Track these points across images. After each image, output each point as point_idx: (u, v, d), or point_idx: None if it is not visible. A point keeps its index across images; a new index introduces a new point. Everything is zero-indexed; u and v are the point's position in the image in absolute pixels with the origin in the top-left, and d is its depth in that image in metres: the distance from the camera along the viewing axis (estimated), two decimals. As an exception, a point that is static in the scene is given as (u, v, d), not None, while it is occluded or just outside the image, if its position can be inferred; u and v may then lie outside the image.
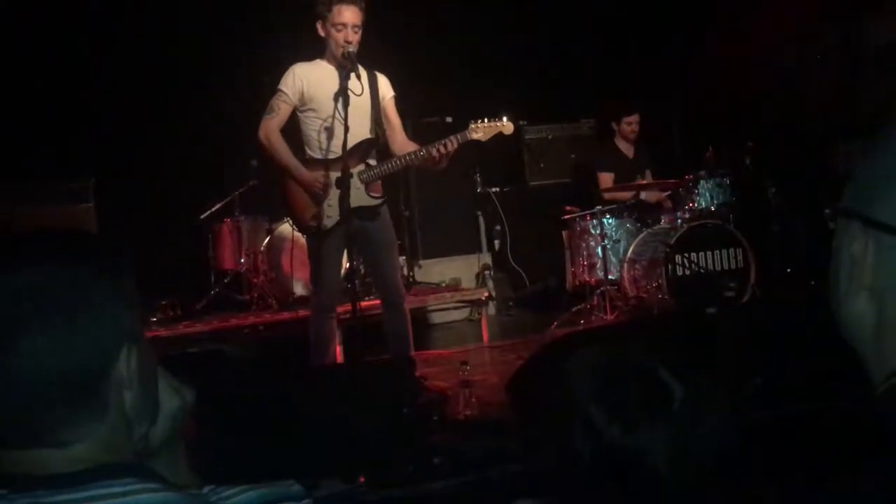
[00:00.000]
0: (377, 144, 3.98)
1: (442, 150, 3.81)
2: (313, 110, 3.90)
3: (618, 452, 1.05)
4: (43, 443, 0.86)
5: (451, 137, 3.84)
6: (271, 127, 3.89)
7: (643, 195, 6.23)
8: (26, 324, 0.83)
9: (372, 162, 3.95)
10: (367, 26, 3.89)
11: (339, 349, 4.68)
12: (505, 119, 3.98)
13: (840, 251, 0.78)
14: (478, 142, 3.96)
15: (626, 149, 6.52)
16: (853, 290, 0.76)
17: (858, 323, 0.76)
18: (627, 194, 6.22)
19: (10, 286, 0.84)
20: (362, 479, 2.83)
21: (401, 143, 4.03)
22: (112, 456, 0.88)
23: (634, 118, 6.43)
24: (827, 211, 0.82)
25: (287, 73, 3.94)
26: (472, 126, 3.91)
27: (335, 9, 3.77)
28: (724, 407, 1.10)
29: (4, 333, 0.82)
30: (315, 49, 4.00)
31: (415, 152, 3.89)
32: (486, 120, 3.94)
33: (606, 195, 6.29)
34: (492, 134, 3.95)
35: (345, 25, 3.78)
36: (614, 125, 6.54)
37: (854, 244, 0.75)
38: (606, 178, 6.38)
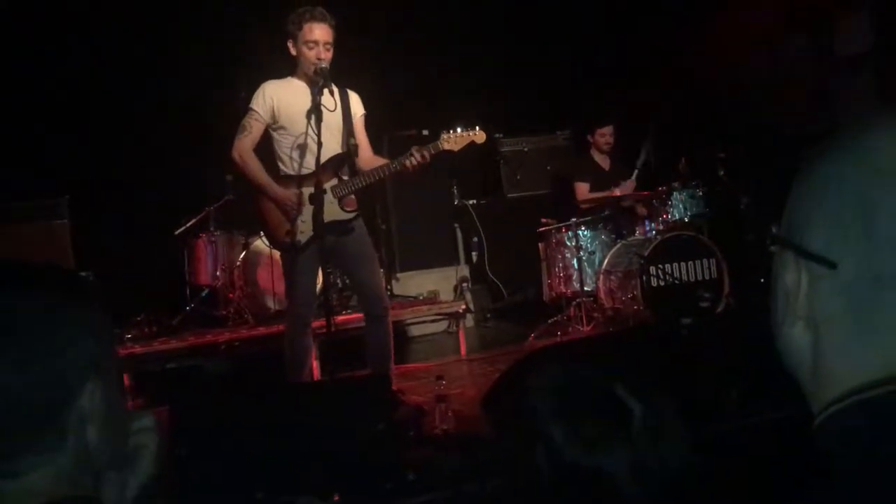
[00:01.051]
0: (350, 160, 3.98)
1: (414, 161, 3.81)
2: (285, 127, 3.90)
3: (578, 471, 1.05)
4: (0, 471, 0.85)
5: (423, 148, 3.84)
6: (244, 146, 3.88)
7: (619, 191, 6.24)
8: None
9: (345, 177, 3.95)
10: (344, 39, 3.90)
11: (315, 364, 4.67)
12: (477, 128, 3.98)
13: (776, 280, 0.77)
14: (450, 152, 3.96)
15: (602, 160, 6.56)
16: (789, 320, 0.75)
17: (796, 353, 0.75)
18: (603, 203, 6.26)
19: None
20: (337, 498, 2.82)
21: (368, 159, 4.03)
22: (70, 489, 0.86)
23: (608, 129, 6.48)
24: (768, 237, 0.81)
25: (258, 92, 3.94)
26: (444, 136, 3.92)
27: (306, 27, 3.78)
28: (682, 426, 1.10)
29: None
30: (290, 67, 4.00)
31: (388, 165, 3.90)
32: (458, 130, 3.94)
33: (582, 205, 6.32)
34: (464, 144, 3.96)
35: (316, 43, 3.78)
36: (589, 137, 6.58)
37: (788, 274, 0.75)
38: (583, 189, 6.42)
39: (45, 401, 0.85)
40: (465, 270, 7.22)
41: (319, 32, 3.78)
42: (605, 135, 6.47)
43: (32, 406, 0.84)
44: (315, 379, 4.61)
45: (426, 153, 3.82)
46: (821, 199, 0.73)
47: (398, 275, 6.95)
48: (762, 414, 3.39)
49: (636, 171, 6.35)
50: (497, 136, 7.42)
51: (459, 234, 7.34)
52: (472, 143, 3.98)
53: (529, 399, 1.15)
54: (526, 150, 7.65)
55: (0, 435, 0.83)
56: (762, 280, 5.99)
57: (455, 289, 7.08)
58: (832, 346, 0.72)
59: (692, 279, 5.64)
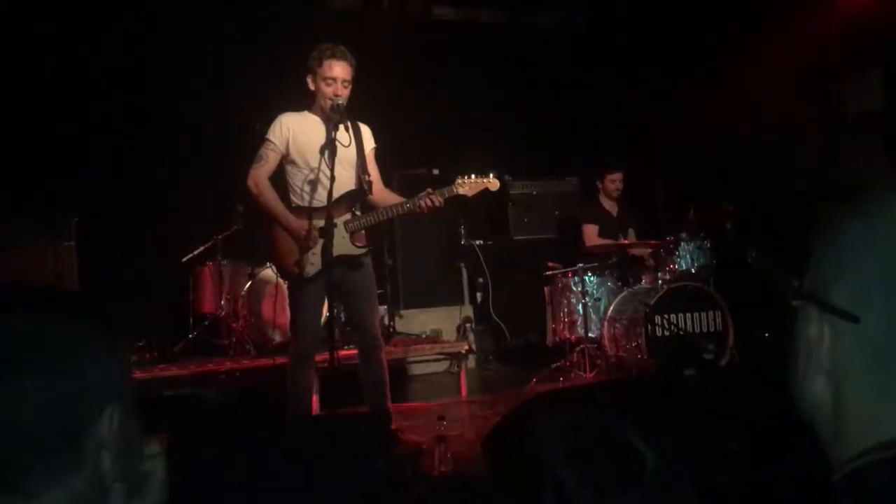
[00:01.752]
0: (363, 195, 4.01)
1: (428, 203, 3.84)
2: (300, 160, 3.94)
3: None
4: (11, 490, 0.85)
5: (437, 192, 3.87)
6: (260, 175, 3.92)
7: (635, 250, 6.26)
8: (16, 366, 0.84)
9: (357, 212, 3.97)
10: (358, 79, 3.95)
11: (315, 398, 4.64)
12: (491, 176, 4.03)
13: (799, 334, 0.77)
14: (463, 197, 3.99)
15: (610, 206, 6.59)
16: (810, 374, 0.75)
17: (816, 406, 0.75)
18: (610, 250, 6.27)
19: (5, 330, 0.85)
20: (333, 534, 2.79)
21: (378, 192, 4.06)
22: None
23: (618, 176, 6.51)
24: (790, 291, 0.82)
25: (275, 123, 3.98)
26: (459, 181, 3.96)
27: (326, 63, 3.84)
28: (694, 476, 1.09)
29: None
30: (303, 100, 4.05)
31: (401, 205, 3.93)
32: (472, 176, 3.98)
33: (589, 248, 6.33)
34: (477, 190, 3.99)
35: (335, 80, 3.84)
36: (598, 183, 6.62)
37: (811, 327, 0.75)
38: (591, 231, 6.44)
39: (65, 425, 0.86)
40: (468, 311, 7.20)
41: (339, 70, 3.84)
42: (615, 181, 6.50)
43: (53, 429, 0.85)
44: (315, 413, 4.58)
45: (440, 197, 3.85)
46: (847, 255, 0.74)
47: (402, 311, 6.94)
48: (763, 468, 3.36)
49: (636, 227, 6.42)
50: (506, 178, 7.46)
51: (465, 274, 7.34)
52: (486, 190, 4.01)
53: (540, 443, 1.14)
54: (534, 193, 7.69)
55: (20, 456, 0.84)
56: (767, 334, 5.98)
57: (458, 329, 7.06)
58: (853, 402, 0.72)
59: (697, 330, 5.62)
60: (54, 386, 0.85)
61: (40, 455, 0.85)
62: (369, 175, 4.01)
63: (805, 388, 0.76)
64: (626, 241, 6.25)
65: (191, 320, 6.25)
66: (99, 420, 0.88)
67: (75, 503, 0.87)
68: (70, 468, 0.87)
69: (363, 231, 3.99)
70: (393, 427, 3.86)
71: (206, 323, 6.19)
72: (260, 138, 4.05)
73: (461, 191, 3.95)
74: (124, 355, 0.94)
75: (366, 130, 4.09)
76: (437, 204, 3.85)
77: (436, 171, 6.84)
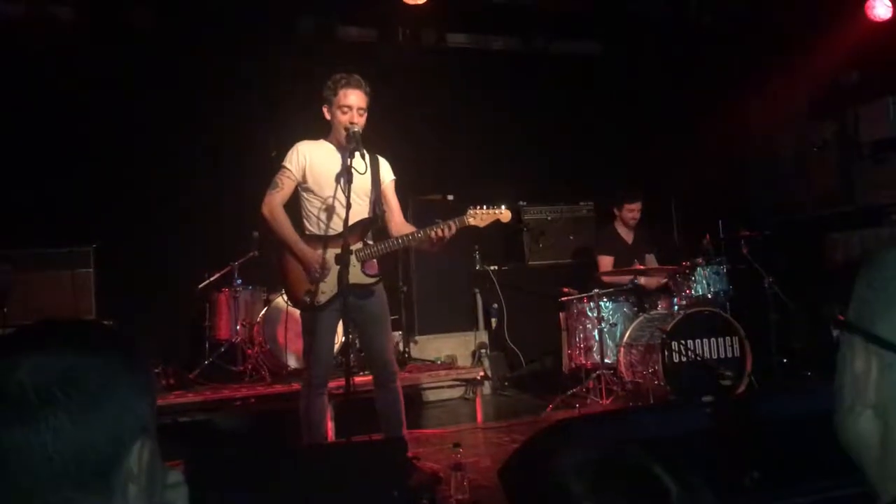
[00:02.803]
0: (376, 224, 4.02)
1: (439, 233, 3.85)
2: (315, 188, 3.96)
3: None
4: None
5: (449, 222, 3.88)
6: (275, 202, 3.94)
7: (642, 280, 6.25)
8: (52, 404, 0.86)
9: (369, 241, 3.98)
10: (373, 105, 3.98)
11: (330, 425, 4.63)
12: (503, 207, 4.03)
13: (843, 366, 0.75)
14: (474, 227, 4.00)
15: (626, 234, 6.58)
16: (857, 407, 0.74)
17: (863, 440, 0.74)
18: (626, 278, 6.25)
19: (42, 367, 0.87)
20: (348, 564, 2.77)
21: (398, 224, 4.08)
22: None
23: (637, 206, 6.50)
24: (832, 321, 0.80)
25: (291, 151, 4.01)
26: (470, 212, 3.96)
27: (341, 92, 3.87)
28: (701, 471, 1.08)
29: (31, 409, 0.85)
30: (320, 129, 4.08)
31: (412, 234, 3.93)
32: (484, 206, 3.98)
33: (605, 278, 6.32)
34: (489, 221, 4.00)
35: (350, 108, 3.87)
36: (616, 211, 6.61)
37: (857, 360, 0.74)
38: (606, 262, 6.43)
39: (98, 459, 0.88)
40: (483, 336, 7.18)
41: (354, 98, 3.87)
42: (633, 210, 6.50)
43: (87, 463, 0.87)
44: (330, 440, 4.57)
45: (452, 226, 3.86)
46: (891, 289, 0.73)
47: (417, 337, 6.92)
48: (782, 498, 3.32)
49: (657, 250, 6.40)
50: (521, 204, 7.47)
51: (479, 300, 7.33)
52: (497, 221, 4.02)
53: (558, 475, 1.13)
54: (549, 219, 7.69)
55: (55, 485, 0.86)
56: (784, 360, 5.93)
57: (473, 355, 7.04)
58: None
59: (714, 356, 5.58)
60: (88, 422, 0.87)
61: (72, 489, 0.87)
62: (385, 206, 4.03)
63: (851, 422, 0.75)
64: (641, 267, 6.21)
65: (206, 346, 6.27)
66: (128, 454, 0.90)
67: None
68: (101, 501, 0.89)
69: (375, 260, 4.00)
70: (409, 454, 3.84)
71: (222, 349, 6.21)
72: (276, 165, 4.08)
73: (472, 221, 3.95)
74: (153, 390, 0.97)
75: (383, 163, 4.12)
76: (448, 234, 3.85)
77: (450, 198, 6.86)
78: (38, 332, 0.94)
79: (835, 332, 0.78)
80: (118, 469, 0.90)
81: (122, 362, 0.92)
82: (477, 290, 7.33)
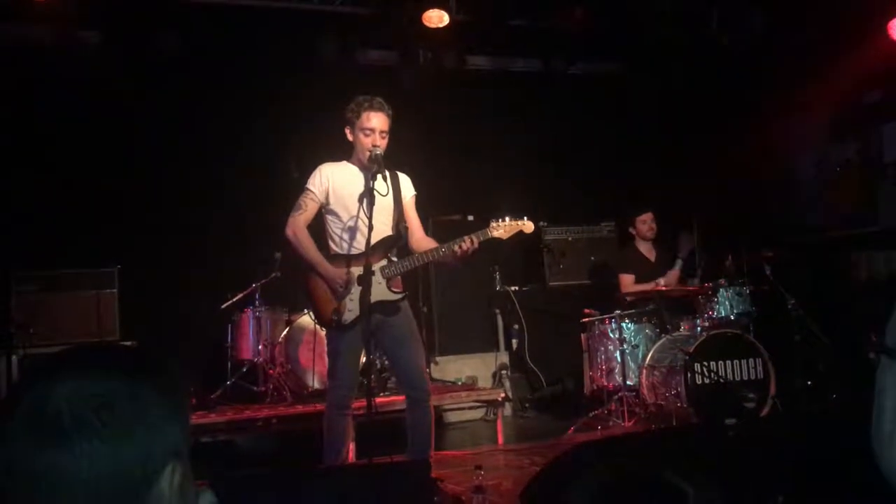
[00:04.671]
0: (400, 241, 4.04)
1: (463, 246, 3.86)
2: (338, 209, 3.99)
3: None
4: None
5: (472, 235, 3.90)
6: (299, 223, 3.98)
7: (663, 280, 6.19)
8: (87, 428, 0.88)
9: (394, 258, 4.00)
10: (394, 126, 4.02)
11: (352, 446, 4.63)
12: (525, 219, 4.04)
13: (884, 391, 0.75)
14: (498, 240, 4.00)
15: (648, 251, 6.55)
16: None
17: None
18: (648, 296, 6.21)
19: (78, 392, 0.89)
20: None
21: (419, 239, 4.10)
22: None
23: (648, 216, 6.49)
24: (867, 342, 0.79)
25: (314, 173, 4.05)
26: (493, 224, 3.97)
27: (364, 115, 3.91)
28: (727, 496, 1.08)
29: (67, 436, 0.87)
30: (342, 150, 4.12)
31: (436, 249, 3.95)
32: (506, 219, 4.00)
33: (627, 297, 6.29)
34: (512, 232, 4.01)
35: (373, 131, 3.91)
36: (631, 229, 6.60)
37: None
38: (627, 280, 6.40)
39: (131, 482, 0.90)
40: (504, 357, 7.16)
41: (377, 121, 3.91)
42: (646, 221, 6.48)
43: (120, 485, 0.89)
44: (352, 461, 4.56)
45: (475, 239, 3.87)
46: None
47: (437, 358, 6.92)
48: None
49: (680, 262, 6.34)
50: (541, 224, 7.48)
51: (500, 321, 7.32)
52: (521, 233, 4.03)
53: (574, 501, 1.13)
54: (570, 239, 7.68)
55: None
56: (809, 383, 5.86)
57: (494, 376, 7.03)
58: None
59: (737, 378, 5.53)
60: (122, 448, 0.89)
61: None
62: (407, 223, 4.05)
63: (893, 451, 0.73)
64: (663, 287, 6.17)
65: (228, 367, 6.30)
66: (160, 478, 0.92)
67: None
68: None
69: (399, 277, 4.02)
70: (432, 476, 3.83)
71: (244, 369, 6.24)
72: (298, 187, 4.12)
73: (496, 234, 3.96)
74: (186, 414, 0.98)
75: (404, 179, 4.14)
76: (472, 247, 3.86)
77: (470, 218, 6.88)
78: (74, 357, 0.96)
79: (871, 355, 0.78)
80: (150, 492, 0.91)
81: (156, 388, 0.95)
82: (497, 311, 7.32)
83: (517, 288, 7.38)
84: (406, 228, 4.07)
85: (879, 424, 0.74)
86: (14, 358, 5.66)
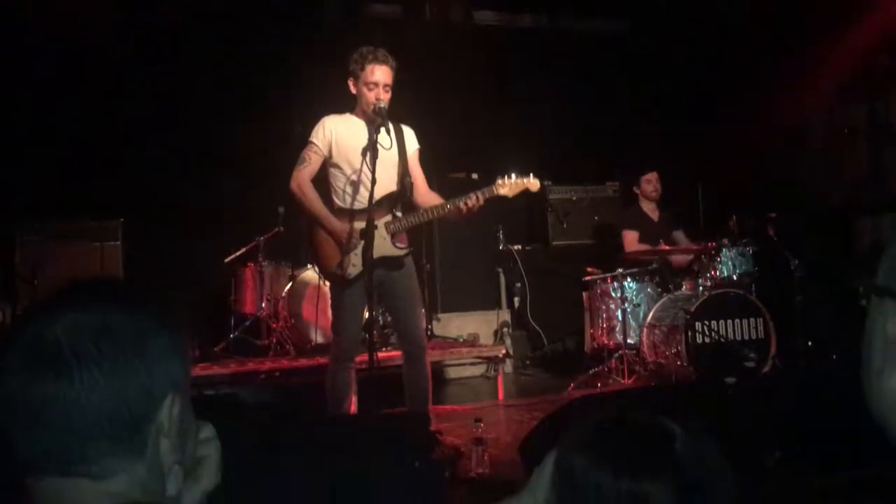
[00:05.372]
0: (404, 197, 4.04)
1: (469, 203, 3.86)
2: (342, 162, 3.98)
3: (626, 501, 1.04)
4: (81, 473, 0.90)
5: (478, 192, 3.89)
6: (303, 177, 3.97)
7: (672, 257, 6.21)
8: (87, 360, 0.89)
9: (398, 213, 4.00)
10: (398, 84, 3.99)
11: (354, 399, 4.67)
12: (531, 176, 4.02)
13: (874, 329, 0.75)
14: (504, 197, 3.99)
15: (651, 211, 6.54)
16: (888, 369, 0.73)
17: (893, 404, 0.73)
18: (651, 256, 6.22)
19: (77, 324, 0.90)
20: (371, 532, 2.81)
21: (424, 194, 4.09)
22: (144, 497, 0.92)
23: (653, 176, 6.47)
24: (860, 288, 0.80)
25: (318, 126, 4.03)
26: (499, 182, 3.96)
27: (368, 68, 3.87)
28: (729, 458, 1.09)
29: (66, 366, 0.88)
30: (345, 102, 4.09)
31: (441, 205, 3.95)
32: (512, 176, 3.98)
33: (629, 255, 6.29)
34: (518, 190, 3.99)
35: (376, 84, 3.87)
36: (636, 188, 6.58)
37: (889, 324, 0.73)
38: (631, 237, 6.40)
39: (130, 413, 0.91)
40: (506, 315, 7.20)
41: (380, 74, 3.87)
42: (650, 181, 6.46)
43: (119, 417, 0.90)
44: (354, 413, 4.61)
45: (480, 196, 3.86)
46: None
47: (439, 315, 6.95)
48: (804, 476, 3.32)
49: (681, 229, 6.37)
50: (546, 183, 7.44)
51: (502, 279, 7.34)
52: (526, 191, 4.02)
53: (564, 457, 1.14)
54: (574, 198, 7.66)
55: (89, 438, 0.90)
56: (809, 343, 5.89)
57: (495, 333, 7.07)
58: None
59: (738, 338, 5.55)
60: (121, 378, 0.90)
61: (106, 442, 0.90)
62: (411, 177, 4.04)
63: (882, 386, 0.74)
64: (666, 247, 6.18)
65: (232, 320, 6.34)
66: (160, 409, 0.93)
67: (137, 488, 0.92)
68: (133, 455, 0.92)
69: (404, 232, 4.02)
70: (431, 429, 3.88)
71: (247, 323, 6.27)
72: (302, 140, 4.10)
73: (501, 191, 3.95)
74: (185, 349, 0.99)
75: (409, 132, 4.12)
76: (477, 204, 3.86)
77: (475, 176, 6.86)
78: (73, 291, 0.96)
79: (862, 301, 0.78)
80: (149, 423, 0.93)
81: (155, 321, 0.95)
82: (500, 270, 7.33)
83: (520, 247, 7.38)
84: (411, 184, 4.06)
85: (869, 363, 0.75)
86: (19, 309, 5.70)
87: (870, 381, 0.75)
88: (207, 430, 1.06)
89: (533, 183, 4.01)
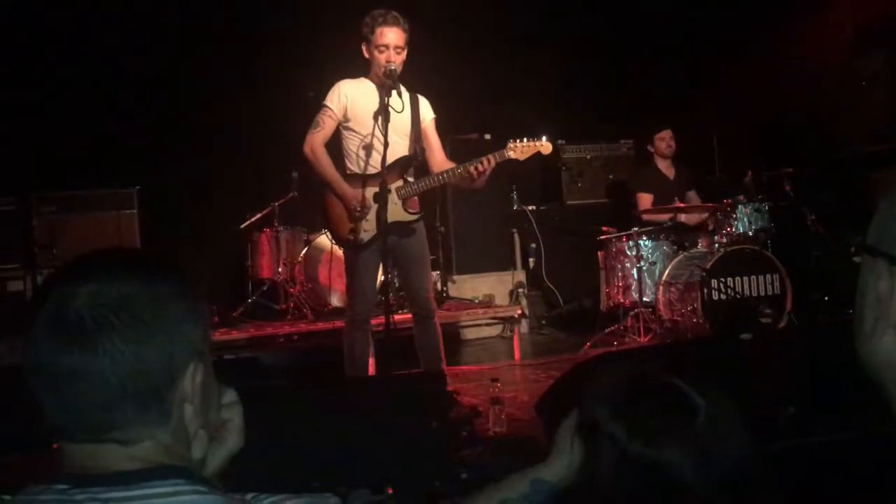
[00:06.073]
0: (415, 161, 4.04)
1: (480, 168, 3.85)
2: (355, 126, 3.98)
3: (640, 466, 1.05)
4: (109, 438, 0.93)
5: (489, 156, 3.87)
6: (316, 141, 3.97)
7: (682, 217, 6.19)
8: (110, 329, 0.91)
9: (410, 178, 4.01)
10: (411, 45, 3.96)
11: (371, 362, 4.72)
12: (544, 139, 4.00)
13: (865, 288, 0.76)
14: (515, 161, 3.98)
15: (667, 169, 6.49)
16: (879, 329, 0.74)
17: (885, 362, 0.74)
18: (665, 216, 6.19)
19: (101, 296, 0.92)
20: (390, 491, 2.86)
21: (440, 162, 4.09)
22: (171, 461, 0.95)
23: (667, 133, 6.41)
24: (852, 246, 0.80)
25: (332, 90, 4.02)
26: (510, 145, 3.94)
27: (378, 31, 3.85)
28: (745, 421, 1.10)
29: (89, 335, 0.90)
30: (359, 67, 4.08)
31: (452, 170, 3.95)
32: (524, 139, 3.96)
33: (644, 216, 6.27)
34: (529, 153, 3.98)
35: (387, 47, 3.85)
36: (650, 147, 6.53)
37: (880, 282, 0.74)
38: (645, 199, 6.37)
39: (155, 381, 0.94)
40: (521, 276, 7.20)
41: (392, 36, 3.85)
42: (664, 139, 6.41)
43: (143, 384, 0.93)
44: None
45: (491, 160, 3.85)
46: None
47: (454, 277, 6.97)
48: (816, 433, 3.33)
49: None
50: (559, 142, 7.40)
51: (517, 240, 7.33)
52: (538, 154, 4.00)
53: (588, 399, 1.16)
54: (588, 157, 7.61)
55: (115, 406, 0.92)
56: (826, 298, 5.87)
57: (510, 294, 7.08)
58: None
59: (754, 294, 5.55)
60: (143, 347, 0.92)
61: (132, 410, 0.93)
62: (427, 145, 4.04)
63: (873, 344, 0.75)
64: (681, 205, 6.15)
65: (249, 286, 6.40)
66: (183, 377, 0.96)
67: (163, 453, 0.95)
68: (158, 421, 0.95)
69: (416, 197, 4.03)
70: (448, 389, 3.92)
71: (265, 288, 6.33)
72: (315, 105, 4.10)
73: (513, 155, 3.94)
74: (205, 317, 1.01)
75: (424, 102, 4.11)
76: (489, 167, 3.85)
77: (487, 137, 6.81)
78: (94, 261, 0.98)
79: (856, 259, 0.79)
80: (173, 390, 0.95)
81: (175, 290, 0.97)
82: (514, 230, 7.32)
83: (535, 207, 7.36)
84: (423, 150, 4.06)
85: (861, 322, 0.76)
86: (38, 278, 5.78)
87: (861, 340, 0.76)
88: (230, 395, 1.09)
89: (545, 146, 3.99)
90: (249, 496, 0.97)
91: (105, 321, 0.90)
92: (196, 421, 0.98)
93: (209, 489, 0.93)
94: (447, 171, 3.95)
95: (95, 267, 0.96)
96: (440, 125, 4.24)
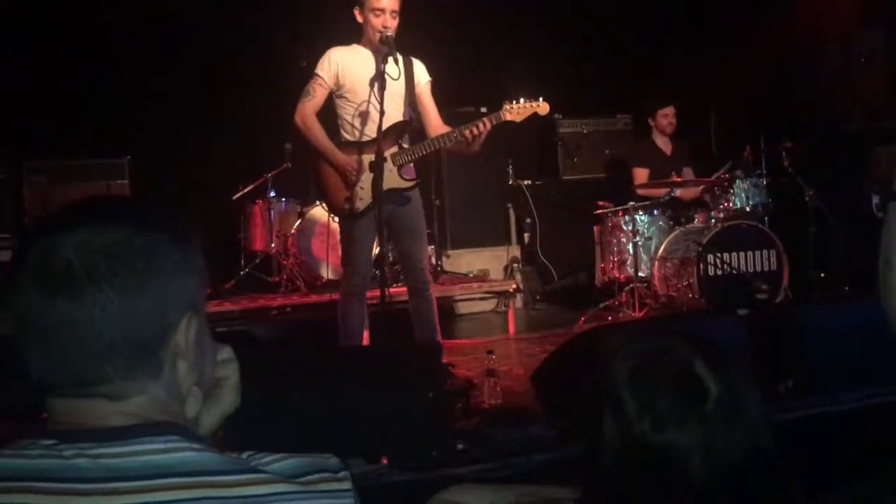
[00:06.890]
0: (410, 127, 3.98)
1: (475, 131, 3.78)
2: (349, 94, 3.91)
3: (645, 448, 1.02)
4: (98, 393, 0.89)
5: (485, 118, 3.80)
6: (308, 110, 3.90)
7: (678, 192, 6.15)
8: (100, 279, 0.86)
9: (405, 145, 3.94)
10: (404, 17, 3.89)
11: (366, 334, 4.69)
12: (541, 100, 3.91)
13: (890, 230, 0.76)
14: (512, 122, 3.91)
15: (664, 144, 6.45)
16: None
17: None
18: (662, 191, 6.15)
19: (90, 243, 0.87)
20: (385, 461, 2.84)
21: (436, 127, 4.02)
22: (160, 414, 0.91)
23: (670, 110, 6.36)
24: (875, 201, 0.80)
25: (323, 58, 3.95)
26: (506, 107, 3.87)
27: None
28: (760, 407, 1.06)
29: (79, 286, 0.85)
30: (352, 34, 4.00)
31: (448, 134, 3.88)
32: (520, 100, 3.88)
33: (640, 191, 6.23)
34: (526, 115, 3.90)
35: (383, 11, 3.77)
36: (650, 121, 6.48)
37: None
38: (642, 174, 6.33)
39: (147, 333, 0.89)
40: (516, 251, 7.17)
41: (387, 0, 3.77)
42: (667, 115, 6.36)
43: (136, 338, 0.88)
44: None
45: (487, 122, 3.79)
46: None
47: (449, 251, 6.94)
48: (815, 406, 3.33)
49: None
50: (556, 117, 7.34)
51: (512, 214, 7.29)
52: (535, 115, 3.93)
53: (600, 363, 1.12)
54: (585, 132, 7.56)
55: (105, 359, 0.88)
56: (822, 275, 5.86)
57: (505, 269, 7.05)
58: None
59: (751, 269, 5.52)
60: (134, 298, 0.87)
61: (123, 363, 0.88)
62: (423, 110, 3.97)
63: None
64: (678, 179, 6.11)
65: (242, 258, 6.34)
66: (176, 330, 0.91)
67: (155, 409, 0.90)
68: (150, 376, 0.91)
69: (412, 164, 3.97)
70: (444, 361, 3.89)
71: (257, 260, 6.29)
72: (307, 74, 4.02)
73: (509, 117, 3.86)
74: (200, 269, 0.96)
75: (419, 65, 4.03)
76: (485, 130, 3.78)
77: (484, 110, 6.73)
78: (84, 209, 0.93)
79: (874, 199, 0.78)
80: (166, 344, 0.91)
81: (169, 240, 0.92)
82: (510, 205, 7.28)
83: (530, 182, 7.31)
84: (419, 115, 4.00)
85: (888, 263, 0.73)
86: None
87: (886, 280, 0.76)
88: (226, 352, 1.04)
89: (542, 106, 3.92)
90: (246, 454, 0.92)
91: (94, 269, 0.85)
92: (190, 377, 0.94)
93: (205, 446, 0.89)
94: (443, 136, 3.89)
95: (83, 214, 0.91)
96: (436, 98, 4.16)
